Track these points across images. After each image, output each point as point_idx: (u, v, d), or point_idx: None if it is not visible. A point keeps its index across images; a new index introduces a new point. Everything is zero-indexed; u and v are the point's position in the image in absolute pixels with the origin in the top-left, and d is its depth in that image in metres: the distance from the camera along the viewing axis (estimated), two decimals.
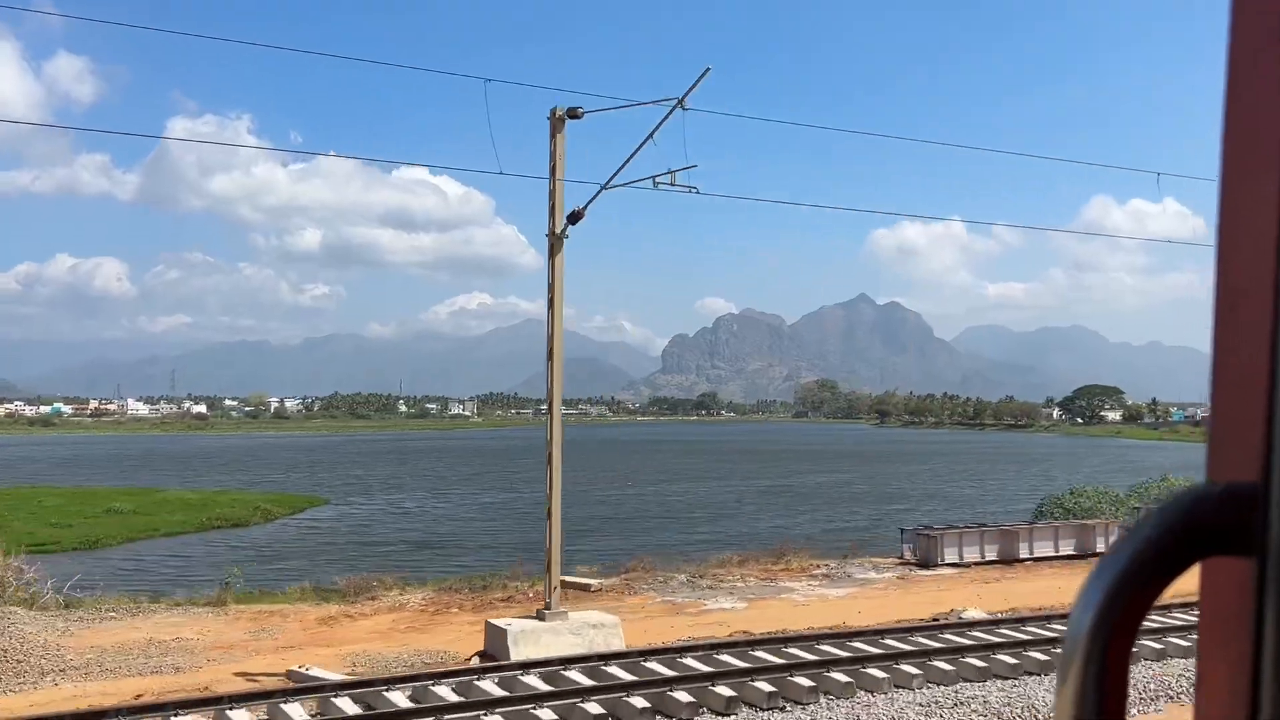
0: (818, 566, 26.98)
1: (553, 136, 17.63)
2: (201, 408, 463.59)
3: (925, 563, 27.57)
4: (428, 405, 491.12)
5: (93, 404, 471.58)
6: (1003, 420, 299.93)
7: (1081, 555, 29.38)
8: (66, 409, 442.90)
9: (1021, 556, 28.57)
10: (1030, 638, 16.66)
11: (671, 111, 16.89)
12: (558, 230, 17.53)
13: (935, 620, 18.27)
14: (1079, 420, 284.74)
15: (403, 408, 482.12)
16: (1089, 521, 30.48)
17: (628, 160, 17.48)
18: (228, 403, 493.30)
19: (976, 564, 27.95)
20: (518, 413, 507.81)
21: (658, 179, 17.47)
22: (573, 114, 17.54)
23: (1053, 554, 29.19)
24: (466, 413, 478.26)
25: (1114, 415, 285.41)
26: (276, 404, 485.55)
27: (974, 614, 18.09)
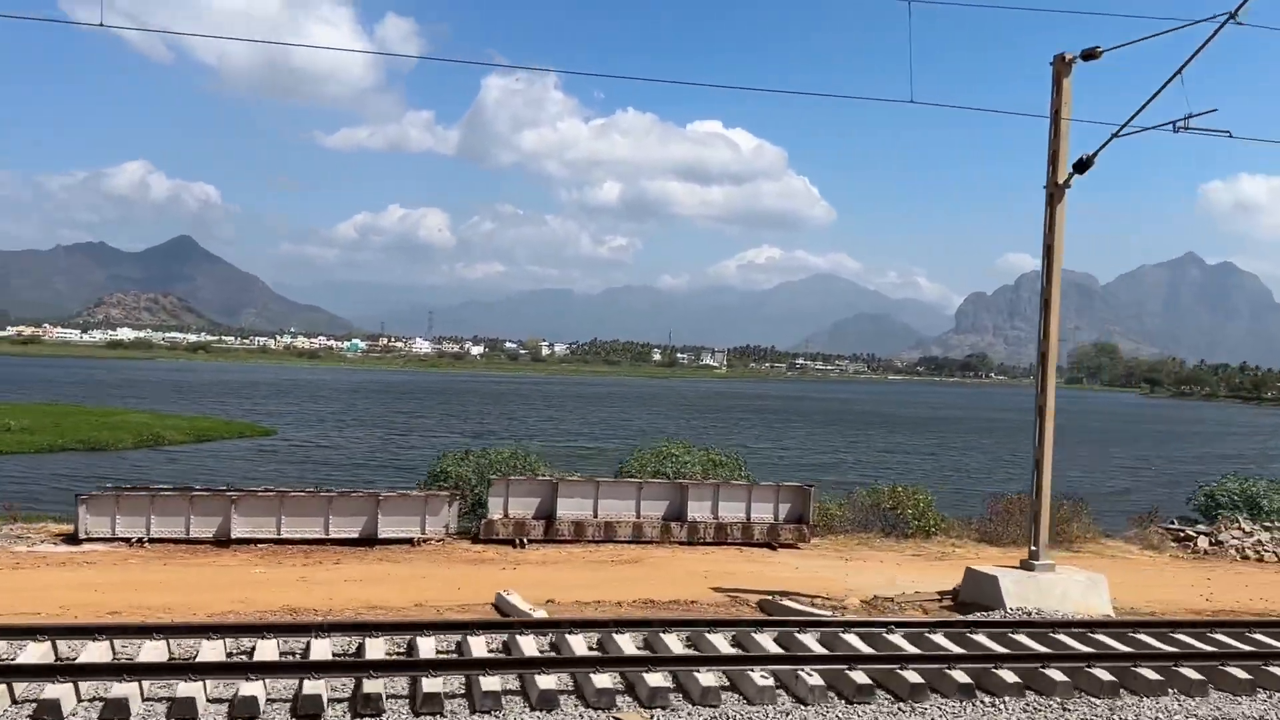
0: None
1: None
2: (479, 349, 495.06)
3: None
4: (679, 355, 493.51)
5: (382, 341, 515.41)
6: None
7: (367, 541, 20.82)
8: (362, 344, 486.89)
9: (217, 536, 20.43)
10: None
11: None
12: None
13: None
14: None
15: (656, 356, 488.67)
16: (387, 493, 21.59)
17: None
18: (508, 345, 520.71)
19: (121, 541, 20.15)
20: (772, 367, 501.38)
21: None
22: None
23: (320, 536, 20.80)
24: (715, 364, 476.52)
25: None
26: (548, 349, 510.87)
27: None
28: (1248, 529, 24.67)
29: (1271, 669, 12.07)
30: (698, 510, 22.50)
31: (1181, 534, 24.79)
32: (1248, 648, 13.10)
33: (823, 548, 22.79)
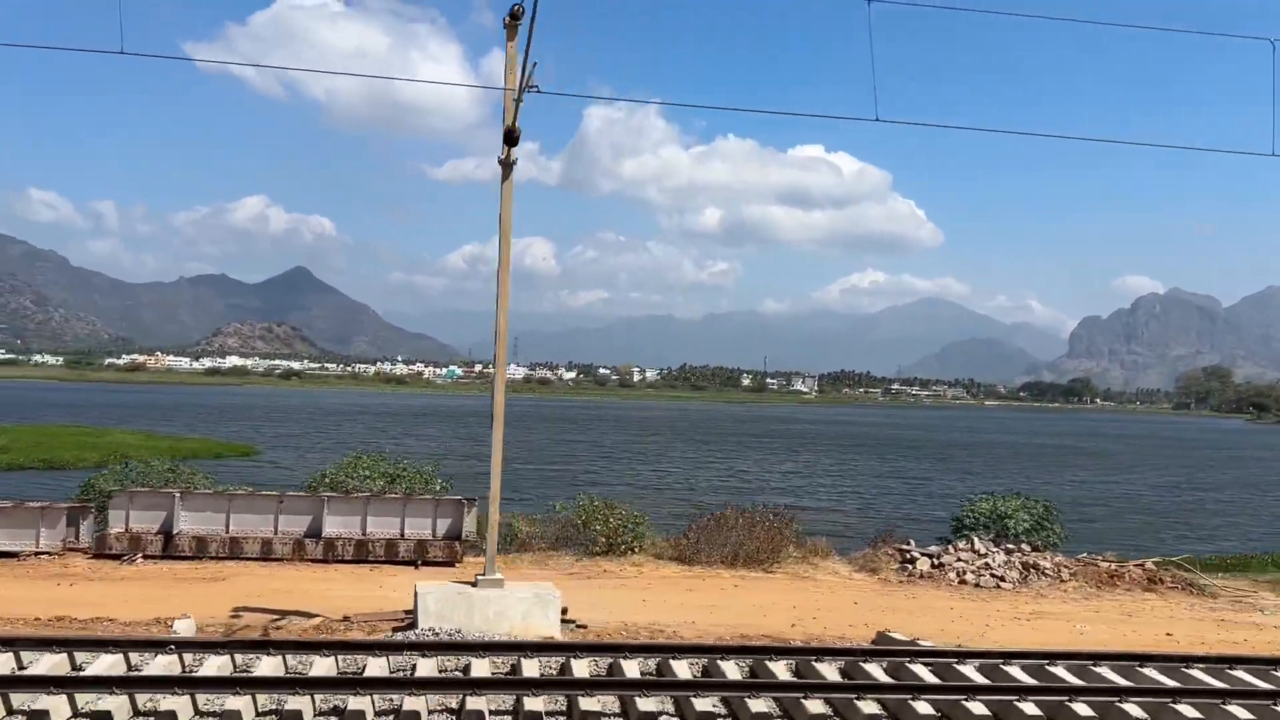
0: None
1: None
2: (571, 374, 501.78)
3: None
4: (769, 381, 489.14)
5: (477, 367, 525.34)
6: None
7: None
8: (459, 370, 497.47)
9: None
10: None
11: None
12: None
13: None
14: None
15: (745, 381, 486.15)
16: (2, 503, 20.88)
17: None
18: (600, 371, 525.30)
19: None
20: (866, 392, 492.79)
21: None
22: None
23: None
24: (804, 389, 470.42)
25: None
26: (639, 374, 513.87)
27: None
28: (981, 550, 22.31)
29: (580, 702, 10.37)
30: (341, 526, 21.32)
31: (909, 555, 22.58)
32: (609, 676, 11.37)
33: (478, 567, 21.30)
